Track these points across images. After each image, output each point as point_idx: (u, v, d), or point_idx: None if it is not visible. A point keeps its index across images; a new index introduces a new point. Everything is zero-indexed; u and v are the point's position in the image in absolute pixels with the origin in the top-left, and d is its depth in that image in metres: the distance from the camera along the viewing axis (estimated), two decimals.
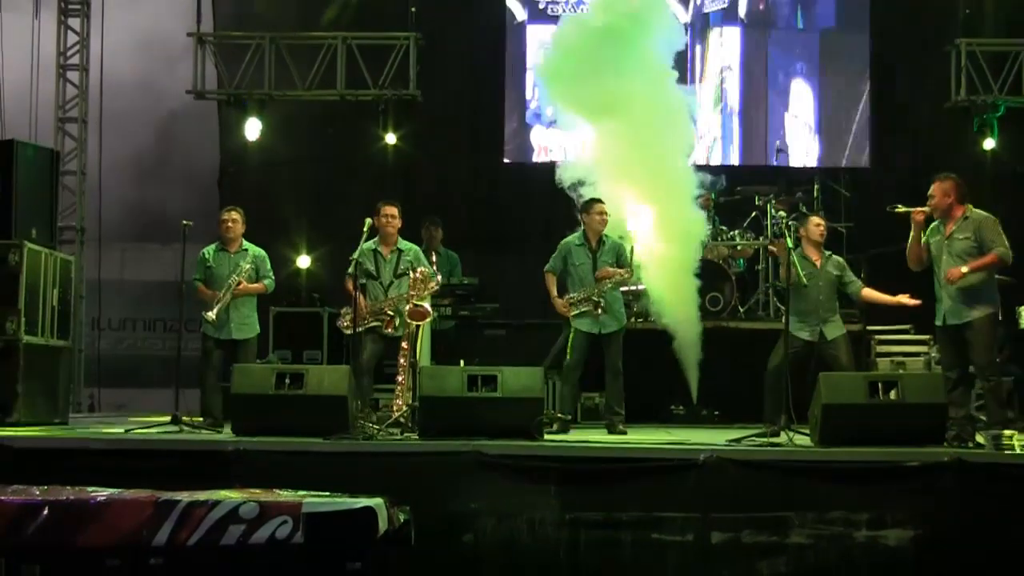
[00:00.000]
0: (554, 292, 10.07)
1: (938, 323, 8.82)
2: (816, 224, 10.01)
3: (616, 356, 10.03)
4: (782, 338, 9.46)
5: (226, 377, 9.77)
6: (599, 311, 9.88)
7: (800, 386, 9.08)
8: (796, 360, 9.46)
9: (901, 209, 8.91)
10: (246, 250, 10.13)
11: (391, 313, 9.76)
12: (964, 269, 8.53)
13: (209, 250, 10.10)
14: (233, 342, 9.99)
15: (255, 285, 10.07)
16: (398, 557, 7.11)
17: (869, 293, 9.92)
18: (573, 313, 9.96)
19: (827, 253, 10.03)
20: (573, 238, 10.18)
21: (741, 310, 12.14)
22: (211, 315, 9.78)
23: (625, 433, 9.71)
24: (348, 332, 9.91)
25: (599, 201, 10.19)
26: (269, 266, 10.25)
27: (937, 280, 8.77)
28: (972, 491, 7.62)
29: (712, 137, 14.48)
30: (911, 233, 8.86)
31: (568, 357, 10.13)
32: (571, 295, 10.02)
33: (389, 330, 9.79)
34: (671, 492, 7.77)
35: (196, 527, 6.54)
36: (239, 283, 9.89)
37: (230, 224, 10.05)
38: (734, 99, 14.58)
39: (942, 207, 8.75)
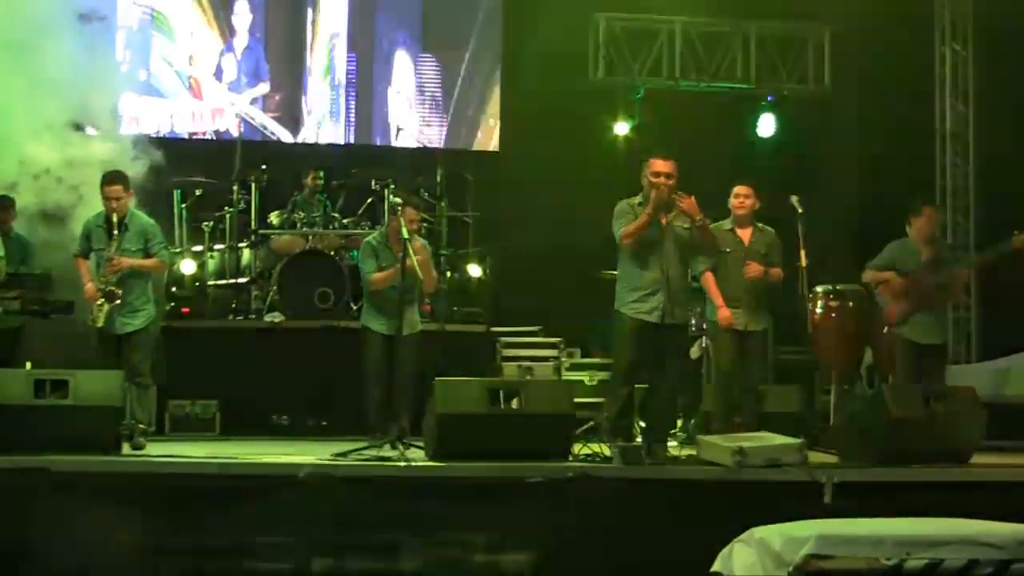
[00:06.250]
0: (86, 278, 8.79)
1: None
2: (411, 220, 9.26)
3: None
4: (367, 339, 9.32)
5: None
6: (110, 304, 8.56)
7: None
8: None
9: None
10: None
11: None
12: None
13: None
14: None
15: None
16: None
17: (426, 286, 9.48)
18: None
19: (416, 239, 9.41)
20: (96, 216, 8.96)
21: (354, 307, 11.34)
22: None
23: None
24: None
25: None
26: None
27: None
28: (597, 507, 7.36)
29: (321, 113, 13.91)
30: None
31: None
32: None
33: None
34: (267, 514, 7.26)
35: None
36: None
37: None
38: (342, 71, 13.98)
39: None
